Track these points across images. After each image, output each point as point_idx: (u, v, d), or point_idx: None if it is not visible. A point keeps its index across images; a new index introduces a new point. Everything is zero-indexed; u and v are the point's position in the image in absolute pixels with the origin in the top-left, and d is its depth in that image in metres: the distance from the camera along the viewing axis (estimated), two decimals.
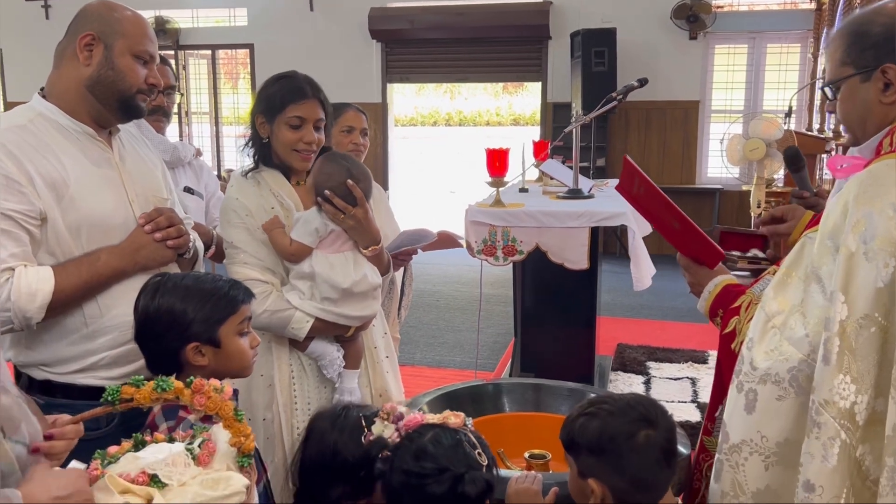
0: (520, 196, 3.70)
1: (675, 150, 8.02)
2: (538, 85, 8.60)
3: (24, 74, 9.09)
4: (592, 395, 2.11)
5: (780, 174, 5.66)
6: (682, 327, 5.48)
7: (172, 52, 9.09)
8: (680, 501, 1.62)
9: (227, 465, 1.22)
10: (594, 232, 3.25)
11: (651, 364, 4.63)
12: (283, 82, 1.98)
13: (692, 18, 7.72)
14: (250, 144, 2.03)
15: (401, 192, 9.74)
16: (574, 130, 3.61)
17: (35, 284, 1.58)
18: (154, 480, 1.15)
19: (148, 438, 1.29)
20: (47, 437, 1.16)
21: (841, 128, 5.99)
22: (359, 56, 8.66)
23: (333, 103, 2.71)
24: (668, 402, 3.89)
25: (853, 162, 1.48)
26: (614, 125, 8.10)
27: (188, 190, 2.57)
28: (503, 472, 1.54)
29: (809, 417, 1.19)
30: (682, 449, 1.65)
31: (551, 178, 4.01)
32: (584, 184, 3.77)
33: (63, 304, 1.63)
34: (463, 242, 3.09)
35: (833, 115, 5.90)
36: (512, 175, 3.47)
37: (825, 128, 6.65)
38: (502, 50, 8.47)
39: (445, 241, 2.72)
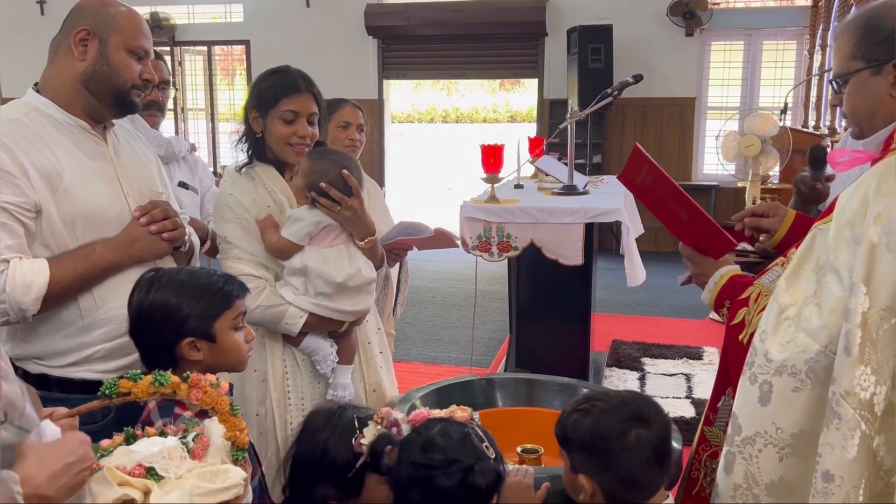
0: (515, 192, 3.71)
1: (672, 147, 8.03)
2: (535, 82, 8.60)
3: (19, 70, 9.05)
4: (585, 389, 2.12)
5: (775, 170, 5.68)
6: (677, 323, 5.49)
7: (168, 49, 9.07)
8: (672, 498, 1.62)
9: (222, 459, 1.23)
10: (589, 228, 3.26)
11: (646, 360, 4.64)
12: (276, 76, 1.99)
13: (688, 15, 7.72)
14: (244, 140, 2.03)
15: (397, 190, 9.73)
16: (569, 126, 3.61)
17: (30, 276, 1.59)
18: (151, 473, 1.16)
19: (139, 432, 1.30)
20: None
21: (836, 121, 5.99)
22: (355, 52, 8.65)
23: (330, 99, 2.71)
24: (662, 397, 3.90)
25: (854, 155, 1.48)
26: (610, 122, 8.10)
27: (183, 185, 2.57)
28: (468, 463, 1.53)
29: (829, 408, 1.19)
30: (675, 444, 1.65)
31: (546, 175, 4.02)
32: (580, 180, 3.78)
33: (58, 296, 1.64)
34: (458, 242, 3.10)
35: (837, 109, 5.93)
36: (507, 171, 3.48)
37: (821, 124, 6.66)
38: (499, 46, 8.47)
39: (441, 239, 2.73)
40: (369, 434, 1.50)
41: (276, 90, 1.95)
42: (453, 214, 3.36)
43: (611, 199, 3.46)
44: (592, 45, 7.26)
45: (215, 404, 1.23)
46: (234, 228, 1.97)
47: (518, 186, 3.91)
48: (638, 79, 3.63)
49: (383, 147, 8.92)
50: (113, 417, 1.64)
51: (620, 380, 4.33)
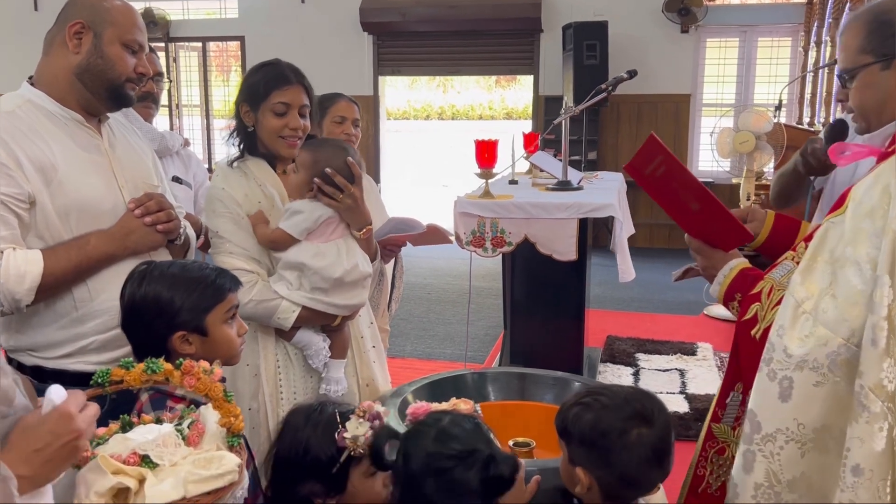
0: (509, 188, 3.71)
1: (666, 144, 7.93)
2: (530, 78, 8.59)
3: (12, 65, 9.01)
4: (577, 384, 2.13)
5: (769, 167, 5.69)
6: (671, 319, 5.50)
7: (163, 45, 9.04)
8: (664, 494, 1.62)
9: (217, 446, 1.23)
10: (583, 224, 3.26)
11: (640, 356, 4.64)
12: (267, 69, 1.99)
13: (684, 12, 7.72)
14: (235, 134, 2.03)
15: (393, 186, 9.72)
16: (563, 122, 3.61)
17: (24, 266, 1.60)
18: (145, 461, 1.16)
19: (135, 420, 1.30)
20: None
21: (829, 117, 5.99)
22: (350, 49, 8.63)
23: (325, 94, 2.71)
24: (657, 393, 3.90)
25: (857, 149, 1.48)
26: (605, 118, 8.10)
27: (176, 180, 2.56)
28: (489, 453, 1.53)
29: (857, 402, 1.17)
30: None
31: (541, 171, 4.02)
32: (574, 176, 3.78)
33: (52, 286, 1.65)
34: (452, 238, 3.10)
35: (832, 105, 5.93)
36: (502, 167, 3.48)
37: (815, 121, 6.67)
38: (494, 43, 8.46)
39: (434, 235, 2.73)
40: (352, 428, 1.49)
41: (266, 83, 1.95)
42: (449, 211, 3.36)
43: (605, 194, 3.46)
44: (588, 41, 7.26)
45: (209, 391, 1.24)
46: (226, 223, 1.97)
47: (512, 182, 3.91)
48: (632, 74, 3.63)
49: (379, 144, 8.91)
50: (108, 409, 1.64)
51: (615, 375, 4.34)
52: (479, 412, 1.57)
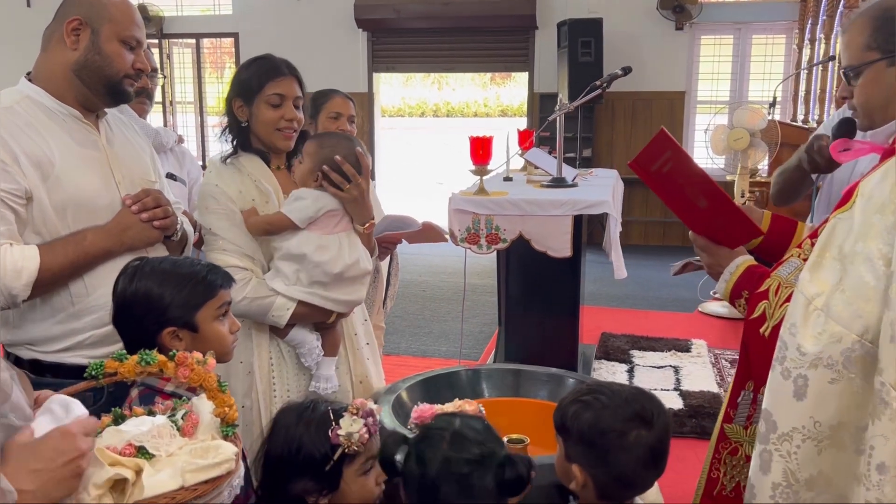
0: (504, 185, 3.71)
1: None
2: (525, 75, 8.59)
3: (5, 61, 8.98)
4: (571, 380, 2.12)
5: (763, 164, 5.70)
6: (666, 316, 5.51)
7: (156, 41, 9.01)
8: (659, 491, 1.62)
9: (212, 436, 1.23)
10: (577, 220, 3.26)
11: (634, 352, 4.65)
12: (259, 63, 1.99)
13: (678, 9, 7.72)
14: (228, 131, 2.02)
15: (388, 184, 9.71)
16: (558, 119, 3.61)
17: (21, 262, 1.60)
18: (141, 452, 1.15)
19: (127, 412, 1.29)
20: None
21: (824, 114, 6.00)
22: (344, 45, 8.62)
23: (320, 90, 2.71)
24: (651, 390, 3.89)
25: (859, 146, 1.48)
26: (600, 116, 8.11)
27: (170, 176, 2.55)
28: (505, 455, 1.52)
29: (879, 399, 1.16)
30: None
31: (536, 168, 4.02)
32: (568, 172, 3.78)
33: (49, 282, 1.65)
34: (447, 236, 3.09)
35: (826, 103, 5.94)
36: (496, 164, 3.47)
37: (809, 118, 6.68)
38: (489, 40, 8.46)
39: (430, 233, 2.72)
40: (345, 425, 1.48)
41: (260, 76, 1.95)
42: (444, 208, 3.36)
43: (599, 191, 3.46)
44: (583, 38, 7.26)
45: (203, 381, 1.23)
46: (220, 220, 1.96)
47: (507, 179, 3.90)
48: (627, 71, 3.63)
49: (373, 141, 8.90)
50: (105, 402, 1.64)
51: (609, 372, 4.34)
52: (483, 412, 1.55)
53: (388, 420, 1.90)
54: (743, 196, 5.24)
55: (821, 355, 1.22)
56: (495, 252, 3.41)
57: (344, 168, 1.92)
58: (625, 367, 4.44)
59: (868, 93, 1.42)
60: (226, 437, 1.24)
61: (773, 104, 5.87)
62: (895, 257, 1.17)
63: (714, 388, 4.05)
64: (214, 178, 1.98)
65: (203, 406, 1.27)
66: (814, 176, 2.45)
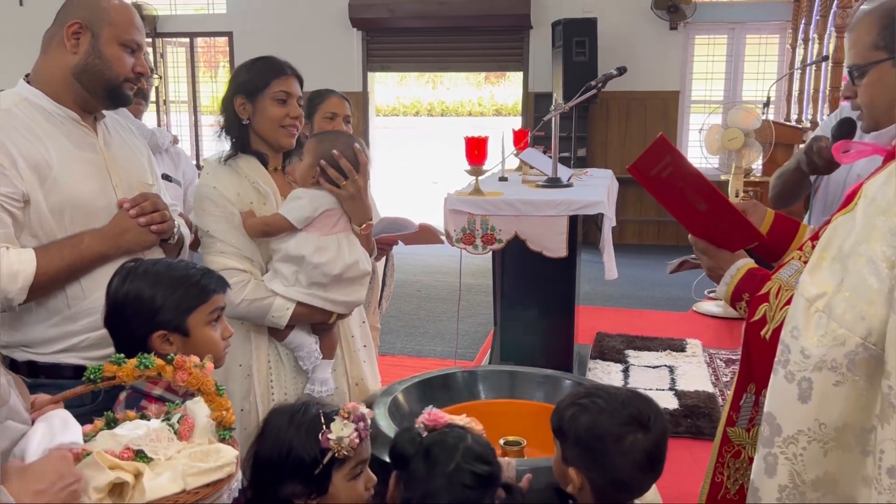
0: (499, 185, 3.71)
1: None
2: (520, 75, 8.59)
3: None
4: (567, 381, 2.13)
5: (757, 163, 5.72)
6: (660, 316, 5.52)
7: (150, 40, 8.98)
8: (657, 491, 1.62)
9: (209, 439, 1.22)
10: (573, 221, 3.26)
11: (629, 352, 4.65)
12: (263, 61, 2.00)
13: (672, 9, 7.74)
14: (227, 130, 2.01)
15: (382, 183, 9.70)
16: (553, 119, 3.61)
17: (17, 265, 1.59)
18: (139, 455, 1.15)
19: (119, 416, 1.29)
20: None
21: (817, 114, 6.02)
22: (339, 45, 8.60)
23: (316, 90, 2.70)
24: (646, 389, 3.92)
25: (861, 147, 1.47)
26: (595, 115, 8.12)
27: (166, 177, 2.54)
28: (505, 482, 1.53)
29: (888, 403, 1.16)
30: None
31: (531, 168, 4.02)
32: (564, 173, 3.78)
33: (45, 285, 1.65)
34: (443, 238, 3.09)
35: (820, 103, 5.95)
36: (491, 164, 3.47)
37: (803, 118, 6.70)
38: (484, 39, 8.46)
39: (426, 235, 2.72)
40: (336, 429, 1.48)
41: (265, 73, 1.96)
42: (439, 208, 3.36)
43: (594, 191, 3.46)
44: (577, 38, 7.27)
45: (201, 385, 1.23)
46: (217, 222, 1.95)
47: (502, 179, 3.90)
48: (622, 71, 3.64)
49: (368, 140, 8.88)
50: (102, 400, 1.63)
51: (604, 372, 4.35)
52: (485, 435, 1.57)
53: (385, 422, 1.90)
54: (737, 195, 5.26)
55: (825, 358, 1.22)
56: (490, 252, 3.41)
57: (341, 163, 1.92)
58: (620, 366, 4.44)
59: (873, 93, 1.42)
60: (222, 441, 1.24)
61: (766, 104, 5.88)
62: None
63: (709, 388, 4.06)
64: (212, 179, 1.97)
65: (198, 410, 1.26)
66: (812, 178, 2.45)
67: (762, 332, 1.47)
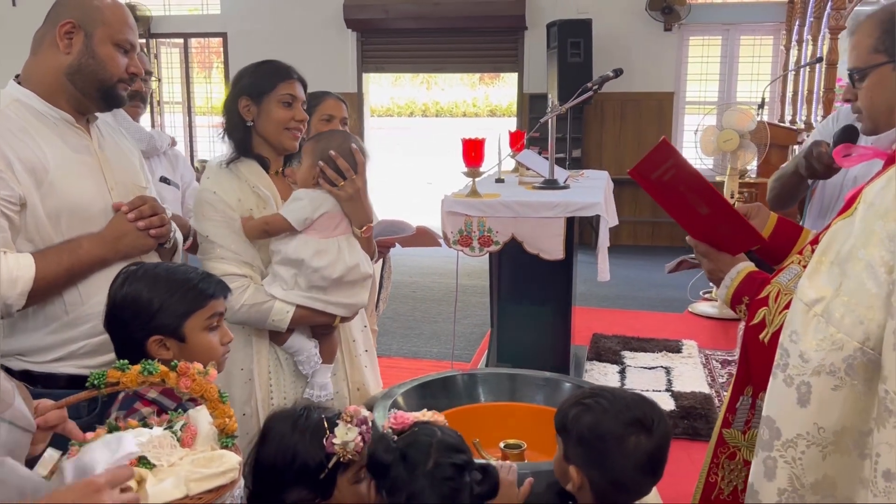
0: (496, 186, 3.71)
1: (650, 142, 8.02)
2: (514, 76, 8.60)
3: None
4: (567, 384, 2.13)
5: (752, 165, 5.74)
6: (656, 317, 5.53)
7: (144, 41, 8.95)
8: (657, 493, 1.62)
9: (211, 446, 1.22)
10: (570, 222, 3.26)
11: (626, 353, 4.66)
12: (268, 65, 2.00)
13: (667, 10, 7.75)
14: (230, 132, 1.99)
15: (377, 184, 9.70)
16: (549, 121, 3.62)
17: (16, 271, 1.56)
18: (142, 462, 1.15)
19: (121, 424, 1.28)
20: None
21: (811, 116, 6.04)
22: (334, 45, 8.59)
23: (312, 92, 2.69)
24: (642, 390, 3.91)
25: (862, 151, 1.48)
26: (590, 116, 8.13)
27: (164, 180, 2.53)
28: (478, 461, 1.55)
29: (884, 408, 1.17)
30: None
31: (527, 169, 4.02)
32: (560, 174, 3.78)
33: (44, 291, 1.62)
34: (441, 240, 3.09)
35: (813, 104, 5.97)
36: (488, 165, 3.47)
37: (797, 119, 6.73)
38: (478, 40, 8.46)
39: (423, 237, 2.72)
40: (341, 434, 1.48)
41: (272, 76, 1.96)
42: (433, 209, 3.35)
43: (591, 193, 3.47)
44: (572, 39, 7.28)
45: (204, 392, 1.23)
46: (217, 227, 1.94)
47: (499, 181, 3.90)
48: (618, 73, 3.64)
49: (363, 141, 8.87)
50: (99, 412, 1.63)
51: (601, 373, 4.35)
52: (447, 423, 1.58)
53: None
54: (733, 197, 5.27)
55: (823, 362, 1.23)
56: (487, 253, 3.41)
57: (338, 162, 1.92)
58: (616, 367, 4.45)
59: (873, 96, 1.43)
60: (224, 448, 1.23)
61: (761, 105, 5.90)
62: None
63: (705, 389, 4.07)
64: (212, 184, 1.96)
65: (200, 417, 1.26)
66: (809, 181, 2.46)
67: (761, 336, 1.47)
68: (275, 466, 1.50)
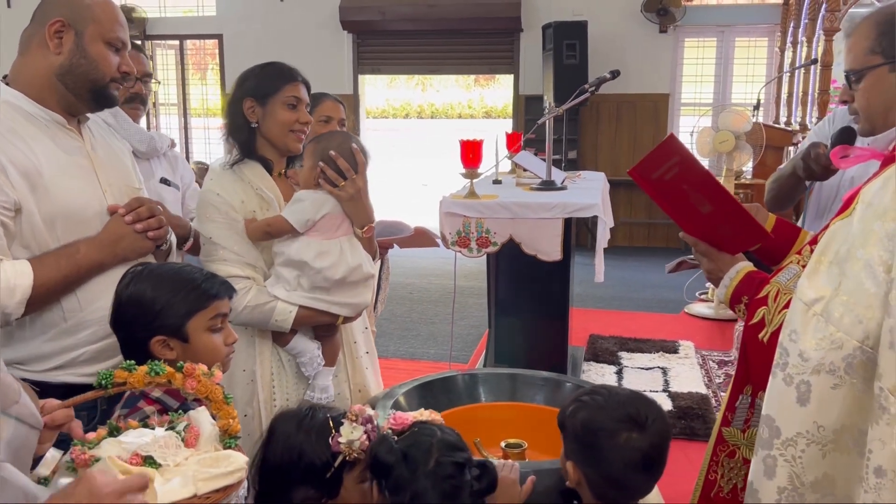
0: (494, 188, 3.72)
1: (646, 143, 8.09)
2: (510, 77, 8.62)
3: None
4: (568, 384, 2.14)
5: (748, 166, 5.76)
6: (653, 318, 5.55)
7: (140, 43, 8.94)
8: (659, 493, 1.63)
9: (214, 447, 1.23)
10: (567, 223, 3.27)
11: (623, 354, 4.67)
12: (273, 66, 2.01)
13: (662, 12, 7.78)
14: (234, 133, 1.99)
15: (372, 185, 9.68)
16: (547, 122, 3.63)
17: (14, 279, 1.52)
18: (148, 461, 1.15)
19: (121, 425, 1.29)
20: None
21: (806, 117, 6.07)
22: (330, 47, 8.60)
23: (310, 93, 2.70)
24: (640, 391, 3.93)
25: (860, 152, 1.49)
26: (585, 118, 8.15)
27: (164, 181, 2.53)
28: (478, 460, 1.56)
29: (878, 405, 1.18)
30: None
31: (524, 170, 4.03)
32: (557, 175, 3.79)
33: (43, 298, 1.58)
34: (439, 241, 3.09)
35: (808, 106, 6.00)
36: (485, 167, 3.48)
37: (792, 120, 6.76)
38: (474, 42, 8.48)
39: (421, 238, 2.73)
40: (346, 432, 1.49)
41: (277, 78, 1.96)
42: (429, 210, 3.36)
43: (589, 194, 3.48)
44: (567, 41, 7.30)
45: (209, 393, 1.23)
46: (220, 228, 1.94)
47: (496, 182, 3.91)
48: (615, 74, 3.65)
49: None
50: (99, 419, 1.62)
51: (598, 374, 4.36)
52: (443, 422, 1.60)
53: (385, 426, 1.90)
54: None
55: (822, 361, 1.24)
56: (485, 255, 3.42)
57: (338, 163, 1.92)
58: (613, 368, 4.46)
59: (869, 97, 1.44)
60: (227, 449, 1.24)
61: (756, 107, 5.93)
62: (895, 264, 1.19)
63: (702, 390, 4.08)
64: (215, 186, 1.96)
65: (202, 418, 1.27)
66: (807, 182, 2.48)
67: (760, 335, 1.48)
68: (281, 466, 1.51)
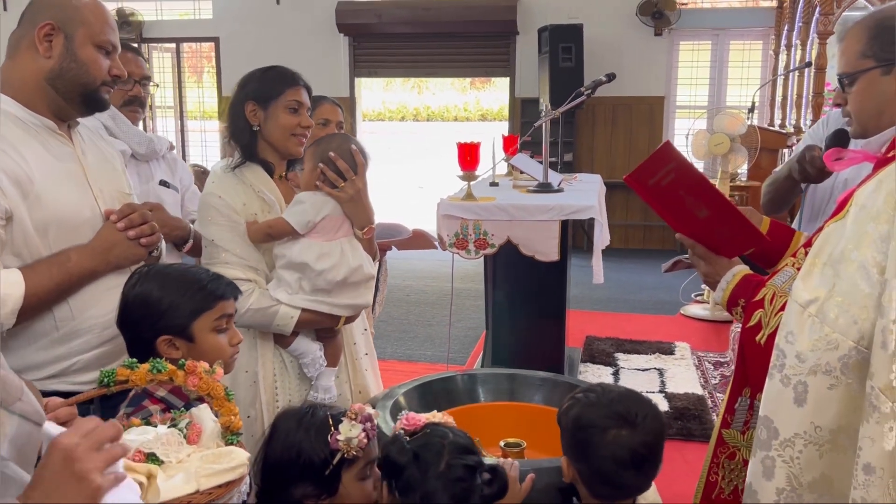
0: (491, 190, 3.74)
1: (641, 146, 8.12)
2: (505, 80, 8.64)
3: None
4: (565, 384, 2.15)
5: (743, 168, 5.79)
6: (649, 319, 5.57)
7: (136, 46, 8.94)
8: (657, 492, 1.65)
9: (217, 444, 1.24)
10: (564, 225, 3.29)
11: (619, 355, 4.70)
12: (276, 70, 2.02)
13: (657, 15, 7.82)
14: (236, 136, 2.00)
15: (370, 188, 9.70)
16: (543, 125, 3.65)
17: (5, 289, 1.49)
18: (151, 458, 1.17)
19: (124, 423, 1.30)
20: None
21: (800, 120, 6.10)
22: (326, 50, 8.61)
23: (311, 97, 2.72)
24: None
25: (853, 155, 1.51)
26: (581, 120, 8.18)
27: (163, 183, 2.53)
28: (490, 465, 1.57)
29: (868, 403, 1.19)
30: None
31: (521, 173, 4.05)
32: (554, 178, 3.82)
33: (35, 307, 1.55)
34: (437, 243, 3.11)
35: (802, 108, 6.03)
36: (482, 169, 3.50)
37: (786, 123, 6.79)
38: (470, 45, 8.50)
39: (419, 240, 2.74)
40: (345, 430, 1.50)
41: (279, 82, 1.98)
42: (425, 213, 3.38)
43: (586, 196, 3.50)
44: (563, 44, 7.33)
45: (211, 390, 1.25)
46: (222, 231, 1.95)
47: (493, 184, 3.93)
48: (611, 77, 3.68)
49: None
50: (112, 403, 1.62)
51: (595, 375, 4.38)
52: (455, 424, 1.61)
53: (385, 426, 1.92)
54: None
55: (819, 362, 1.26)
56: (482, 256, 3.44)
57: (338, 164, 1.93)
58: (610, 369, 4.48)
59: (862, 100, 1.46)
60: (229, 445, 1.25)
61: (751, 109, 5.96)
62: (889, 265, 1.20)
63: (698, 391, 4.10)
64: (217, 188, 1.97)
65: (204, 416, 1.28)
66: (802, 185, 2.50)
67: (757, 338, 1.50)
68: (281, 463, 1.52)
